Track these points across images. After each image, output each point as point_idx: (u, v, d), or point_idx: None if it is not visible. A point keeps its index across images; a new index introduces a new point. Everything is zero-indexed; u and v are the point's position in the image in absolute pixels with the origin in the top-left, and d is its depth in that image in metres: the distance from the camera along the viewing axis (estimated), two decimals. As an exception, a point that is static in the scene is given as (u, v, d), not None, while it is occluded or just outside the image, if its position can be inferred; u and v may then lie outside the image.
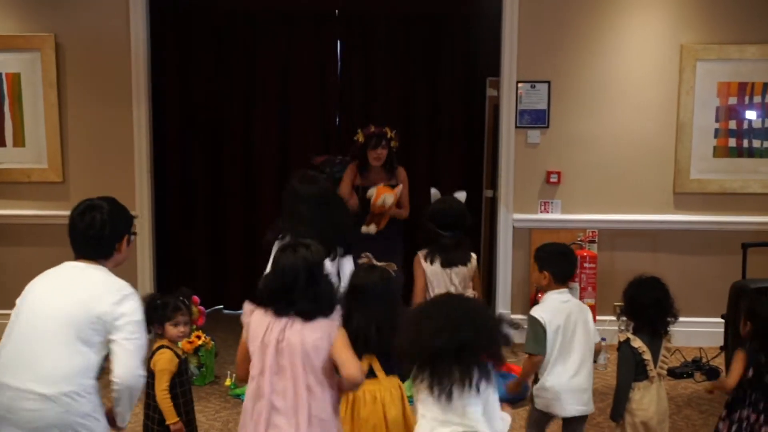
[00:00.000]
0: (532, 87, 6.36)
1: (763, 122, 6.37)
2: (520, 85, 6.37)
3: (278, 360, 2.93)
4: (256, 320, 3.01)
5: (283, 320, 2.95)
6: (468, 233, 7.24)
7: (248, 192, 7.35)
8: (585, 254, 6.28)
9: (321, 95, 7.31)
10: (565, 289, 3.89)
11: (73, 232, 3.03)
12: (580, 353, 3.81)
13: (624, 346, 3.75)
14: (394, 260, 3.72)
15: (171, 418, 3.62)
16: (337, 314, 3.03)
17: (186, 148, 7.28)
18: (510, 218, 6.47)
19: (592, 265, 6.27)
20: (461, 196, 4.41)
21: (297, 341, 2.92)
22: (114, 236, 3.05)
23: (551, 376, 3.78)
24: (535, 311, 3.83)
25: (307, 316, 2.94)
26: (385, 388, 3.32)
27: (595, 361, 5.92)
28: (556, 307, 3.82)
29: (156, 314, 3.72)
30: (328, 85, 7.31)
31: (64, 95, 6.43)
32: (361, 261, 3.63)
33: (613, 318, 6.18)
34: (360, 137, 6.04)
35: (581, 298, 6.24)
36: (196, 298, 5.58)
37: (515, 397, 4.52)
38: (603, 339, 5.99)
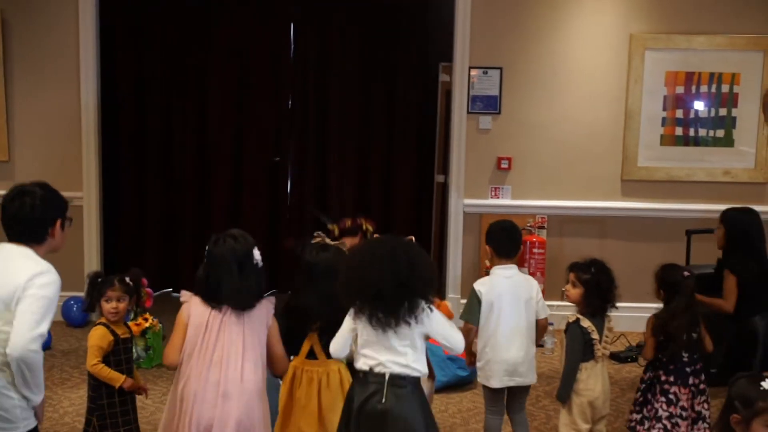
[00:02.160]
0: (484, 73, 6.40)
1: (709, 111, 6.49)
2: (472, 71, 6.40)
3: (218, 346, 3.09)
4: (196, 308, 3.16)
5: (221, 311, 3.12)
6: (419, 215, 7.33)
7: (201, 174, 7.29)
8: (534, 240, 6.35)
9: (275, 78, 7.26)
10: (512, 265, 3.97)
11: (3, 216, 2.98)
12: (517, 326, 3.88)
13: (573, 326, 3.82)
14: None
15: (116, 380, 3.55)
16: (269, 303, 3.20)
17: (138, 129, 7.19)
18: (461, 203, 6.51)
19: (540, 251, 6.34)
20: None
21: (236, 330, 3.10)
22: (45, 221, 3.00)
23: (488, 348, 3.89)
24: (476, 283, 3.96)
25: (242, 307, 3.13)
26: (324, 370, 3.35)
27: (541, 345, 6.06)
28: (497, 282, 3.91)
29: (94, 291, 3.66)
30: (281, 67, 7.27)
31: (10, 72, 6.30)
32: (314, 240, 3.63)
33: (561, 303, 6.32)
34: (335, 230, 5.90)
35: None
36: (144, 280, 5.53)
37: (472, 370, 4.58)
38: (551, 323, 6.09)
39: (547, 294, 6.28)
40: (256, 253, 3.19)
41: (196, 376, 3.09)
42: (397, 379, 2.92)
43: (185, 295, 3.24)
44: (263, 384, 3.17)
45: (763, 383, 2.59)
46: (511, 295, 3.89)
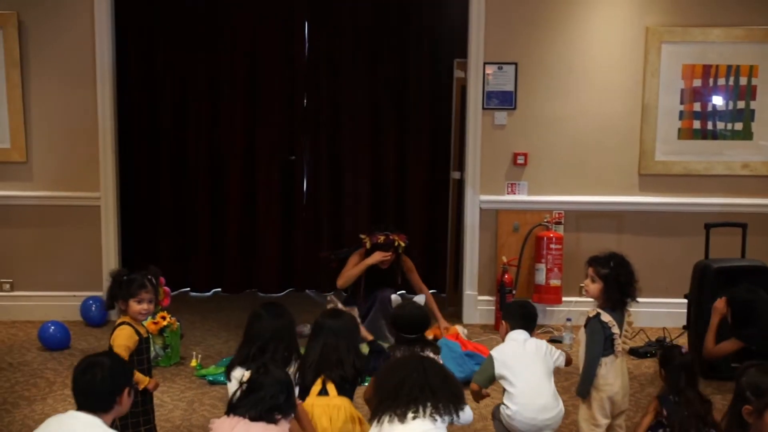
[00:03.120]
0: (500, 69, 6.37)
1: (727, 105, 6.43)
2: (487, 66, 6.38)
3: None
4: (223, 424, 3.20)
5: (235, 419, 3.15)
6: (435, 214, 7.31)
7: (215, 173, 7.31)
8: (551, 235, 6.32)
9: (288, 76, 7.27)
10: (523, 330, 3.94)
11: (75, 388, 3.08)
12: (536, 384, 3.79)
13: (594, 321, 3.79)
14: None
15: (142, 382, 3.62)
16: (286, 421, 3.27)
17: (152, 129, 7.21)
18: (477, 200, 6.49)
19: (558, 247, 6.31)
20: (420, 299, 4.58)
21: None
22: (115, 390, 3.09)
23: (512, 405, 3.78)
24: (493, 350, 3.95)
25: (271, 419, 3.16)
26: (335, 405, 3.58)
27: (559, 340, 6.03)
28: (511, 347, 3.89)
29: (121, 290, 3.70)
30: (295, 65, 7.27)
31: (27, 74, 6.33)
32: (328, 305, 3.87)
33: (579, 299, 6.29)
34: (367, 243, 5.95)
35: (547, 279, 6.31)
36: (162, 278, 5.56)
37: None
38: (569, 319, 6.09)
39: (564, 290, 6.31)
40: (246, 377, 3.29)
41: None
42: None
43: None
44: None
45: None
46: (526, 355, 3.84)
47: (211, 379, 5.17)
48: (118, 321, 3.72)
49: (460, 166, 6.76)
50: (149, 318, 5.28)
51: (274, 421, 3.16)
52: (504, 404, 3.82)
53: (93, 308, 6.27)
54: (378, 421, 3.01)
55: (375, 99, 7.29)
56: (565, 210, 6.48)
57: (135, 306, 3.70)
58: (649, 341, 6.00)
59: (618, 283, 3.80)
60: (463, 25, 6.50)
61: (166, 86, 7.17)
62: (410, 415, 2.94)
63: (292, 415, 3.28)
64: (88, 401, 3.02)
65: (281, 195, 7.38)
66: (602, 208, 6.50)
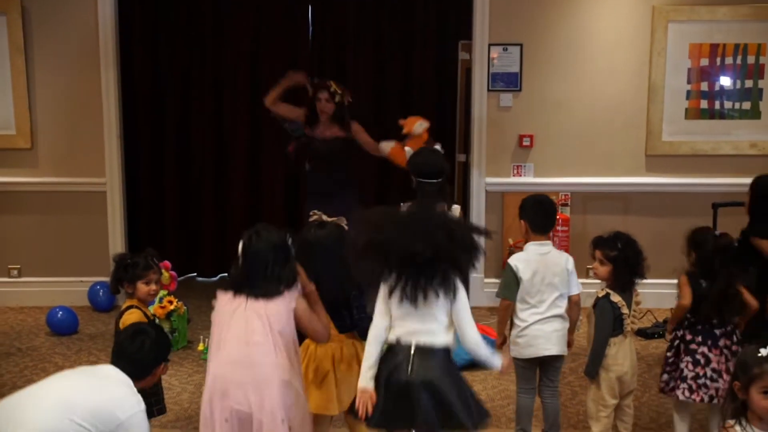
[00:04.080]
0: (504, 50, 6.34)
1: (734, 84, 6.39)
2: (492, 48, 6.34)
3: (240, 321, 3.13)
4: (222, 303, 3.23)
5: (247, 298, 3.16)
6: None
7: (220, 158, 7.30)
8: (558, 217, 6.30)
9: (292, 59, 7.23)
10: (547, 241, 3.94)
11: (119, 352, 3.17)
12: (552, 300, 3.86)
13: (603, 301, 3.78)
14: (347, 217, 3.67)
15: None
16: (295, 289, 3.21)
17: (156, 114, 7.20)
18: (483, 182, 6.47)
19: (564, 228, 6.30)
20: (436, 147, 4.47)
21: (262, 307, 3.13)
22: (156, 362, 3.20)
23: (523, 322, 3.86)
24: (511, 259, 3.94)
25: (273, 295, 3.15)
26: (337, 345, 3.44)
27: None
28: (532, 258, 3.88)
29: (126, 273, 3.72)
30: (299, 50, 7.24)
31: (32, 60, 6.33)
32: (311, 218, 3.63)
33: (586, 280, 6.26)
34: (309, 90, 5.94)
35: (554, 261, 6.28)
36: (167, 263, 5.57)
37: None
38: (576, 300, 6.06)
39: (571, 272, 6.28)
40: (290, 241, 3.24)
41: (215, 362, 3.19)
42: (422, 350, 2.91)
43: (220, 294, 3.30)
44: (285, 368, 3.14)
45: (762, 349, 2.57)
46: (546, 271, 3.86)
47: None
48: (125, 305, 3.73)
49: (466, 149, 6.74)
50: (156, 302, 5.31)
51: (279, 293, 3.14)
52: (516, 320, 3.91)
53: (100, 293, 6.29)
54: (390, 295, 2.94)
55: (380, 82, 7.26)
56: (571, 192, 6.45)
57: (143, 288, 3.72)
58: (657, 322, 5.99)
59: (627, 264, 3.79)
60: (467, 6, 6.46)
61: (170, 71, 7.15)
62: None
63: (298, 286, 3.21)
64: (128, 366, 3.09)
65: (286, 180, 7.37)
66: (609, 189, 6.48)
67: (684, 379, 3.86)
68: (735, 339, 3.87)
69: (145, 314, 3.71)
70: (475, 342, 3.04)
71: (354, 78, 7.23)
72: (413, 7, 7.17)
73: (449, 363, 3.00)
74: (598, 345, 3.79)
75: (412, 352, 2.91)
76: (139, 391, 3.18)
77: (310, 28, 7.28)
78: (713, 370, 3.82)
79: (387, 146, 5.60)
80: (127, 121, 6.69)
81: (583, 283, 6.10)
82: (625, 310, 3.77)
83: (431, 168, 4.25)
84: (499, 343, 4.10)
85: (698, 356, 3.84)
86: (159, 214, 7.31)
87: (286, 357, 3.15)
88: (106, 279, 6.22)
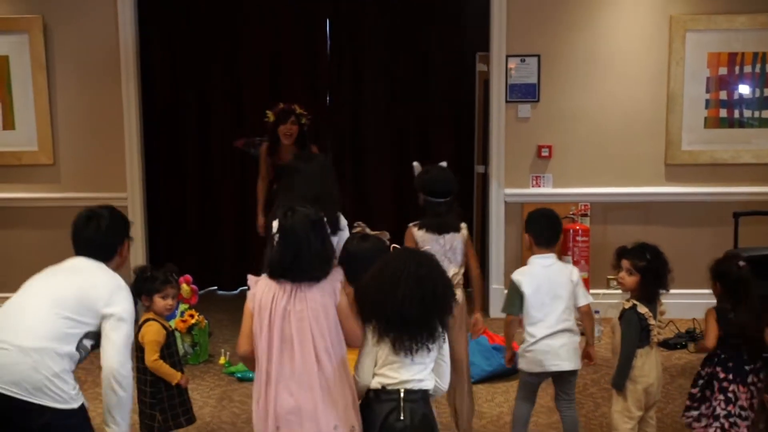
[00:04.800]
0: (522, 61, 6.35)
1: (753, 92, 6.37)
2: (509, 59, 6.35)
3: (285, 329, 2.92)
4: (263, 289, 2.99)
5: (288, 287, 2.94)
6: (460, 205, 7.29)
7: (240, 172, 7.34)
8: (577, 228, 6.29)
9: (311, 74, 7.29)
10: (550, 254, 3.93)
11: (77, 238, 3.25)
12: (560, 313, 3.83)
13: (630, 313, 3.74)
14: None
15: (174, 377, 3.68)
16: (338, 273, 3.05)
17: (177, 129, 7.26)
18: (501, 193, 6.47)
19: (584, 239, 6.28)
20: (443, 165, 4.46)
21: (305, 307, 2.93)
22: (117, 241, 3.28)
23: (532, 336, 3.84)
24: (515, 274, 3.93)
25: (317, 277, 2.97)
26: (350, 357, 3.34)
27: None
28: (536, 271, 3.87)
29: (145, 286, 3.76)
30: (318, 63, 7.28)
31: (53, 77, 6.40)
32: (354, 230, 3.63)
33: (607, 291, 6.25)
34: (270, 116, 5.97)
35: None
36: (188, 277, 5.61)
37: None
38: (596, 312, 6.04)
39: (592, 282, 6.26)
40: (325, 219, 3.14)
41: (266, 365, 2.95)
42: (410, 394, 2.89)
43: (252, 279, 3.09)
44: (338, 367, 2.98)
45: None
46: (550, 284, 3.84)
47: (239, 375, 5.20)
48: (143, 318, 3.76)
49: (484, 160, 6.74)
50: (177, 316, 5.34)
51: (324, 274, 2.98)
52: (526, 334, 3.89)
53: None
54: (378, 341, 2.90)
55: (397, 94, 7.28)
56: (591, 202, 6.44)
57: (160, 302, 3.77)
58: (679, 332, 5.95)
59: (656, 275, 3.77)
60: (484, 18, 6.47)
61: (190, 86, 7.21)
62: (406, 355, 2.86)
63: (340, 270, 3.06)
64: (92, 251, 3.18)
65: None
66: (629, 199, 6.46)
67: (717, 418, 3.79)
68: (762, 376, 3.80)
69: (164, 326, 3.74)
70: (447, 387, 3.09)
71: (371, 91, 7.26)
72: (430, 19, 7.19)
73: (429, 404, 2.99)
74: (625, 357, 3.74)
75: (402, 397, 2.88)
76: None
77: (329, 42, 7.32)
78: (741, 407, 3.75)
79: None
80: (148, 136, 6.75)
81: (603, 294, 6.16)
82: (651, 321, 3.75)
83: (441, 186, 4.23)
84: (507, 358, 4.10)
85: (729, 394, 3.77)
86: (180, 227, 7.36)
87: (337, 357, 2.98)
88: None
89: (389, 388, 2.90)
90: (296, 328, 2.91)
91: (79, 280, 3.14)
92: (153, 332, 3.67)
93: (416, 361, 2.90)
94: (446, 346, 2.99)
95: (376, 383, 2.92)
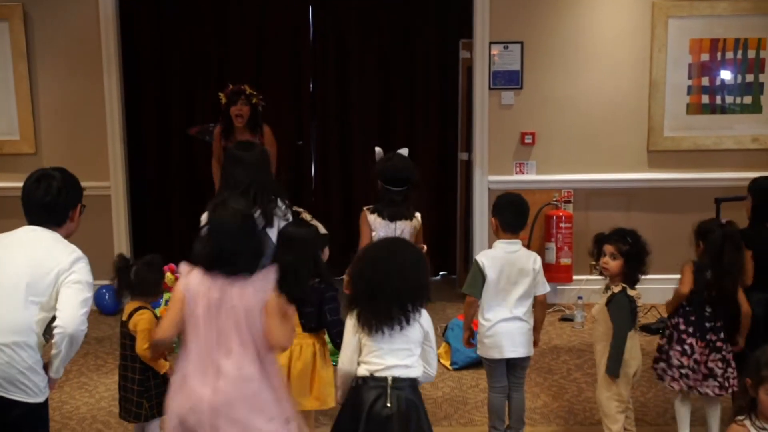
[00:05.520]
0: (505, 48, 6.35)
1: (735, 78, 6.40)
2: (492, 46, 6.36)
3: (217, 323, 2.91)
4: (196, 280, 2.97)
5: (221, 281, 2.93)
6: (445, 196, 7.29)
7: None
8: (561, 214, 6.32)
9: (295, 62, 7.27)
10: (516, 240, 3.93)
11: (28, 200, 3.14)
12: (516, 299, 3.84)
13: (621, 296, 3.76)
14: None
15: (162, 367, 3.66)
16: (272, 272, 3.03)
17: (160, 117, 7.23)
18: (485, 180, 6.49)
19: (567, 225, 6.31)
20: (404, 152, 4.48)
21: (238, 302, 2.91)
22: (68, 204, 3.17)
23: (488, 321, 3.86)
24: (479, 255, 3.95)
25: (244, 271, 2.95)
26: (297, 342, 3.43)
27: (570, 318, 6.04)
28: (499, 255, 3.88)
29: (125, 277, 3.74)
30: (301, 51, 7.27)
31: (34, 66, 6.36)
32: (299, 216, 3.75)
33: (591, 277, 6.29)
34: (222, 98, 5.97)
35: (557, 258, 6.30)
36: (173, 266, 5.58)
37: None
38: (580, 297, 6.09)
39: (575, 268, 6.30)
40: (257, 216, 3.13)
41: (193, 359, 2.93)
42: (397, 382, 2.89)
43: (184, 268, 3.06)
44: (269, 362, 2.99)
45: None
46: (511, 269, 3.85)
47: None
48: (134, 306, 3.72)
49: (468, 147, 6.75)
50: (162, 304, 5.33)
51: (247, 273, 2.94)
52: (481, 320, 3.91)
53: (106, 297, 6.31)
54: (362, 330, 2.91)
55: (382, 82, 7.28)
56: (574, 188, 6.47)
57: None
58: (661, 317, 5.99)
59: (639, 258, 3.80)
60: (468, 5, 6.47)
61: (173, 74, 7.18)
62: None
63: (275, 268, 3.04)
64: (41, 214, 3.07)
65: (291, 181, 7.38)
66: (611, 185, 6.49)
67: (671, 367, 3.89)
68: (721, 335, 3.87)
69: (155, 315, 3.73)
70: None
71: (355, 78, 7.25)
72: (413, 6, 7.18)
73: (418, 393, 2.99)
74: (619, 341, 3.74)
75: (389, 384, 2.88)
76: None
77: (311, 29, 7.30)
78: (695, 361, 3.84)
79: None
80: (132, 124, 6.72)
81: (587, 280, 6.20)
82: (640, 304, 3.79)
83: (398, 175, 4.27)
84: (465, 338, 4.09)
85: (686, 346, 3.86)
86: (165, 216, 7.34)
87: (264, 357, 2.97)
88: (112, 282, 6.30)
89: (377, 374, 2.90)
90: (228, 322, 2.90)
91: (37, 257, 3.01)
92: (146, 321, 3.65)
93: (398, 346, 2.90)
94: (431, 332, 3.00)
95: (364, 371, 2.93)
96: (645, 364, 4.07)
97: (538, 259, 3.94)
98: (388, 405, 2.86)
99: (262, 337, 2.93)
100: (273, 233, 3.91)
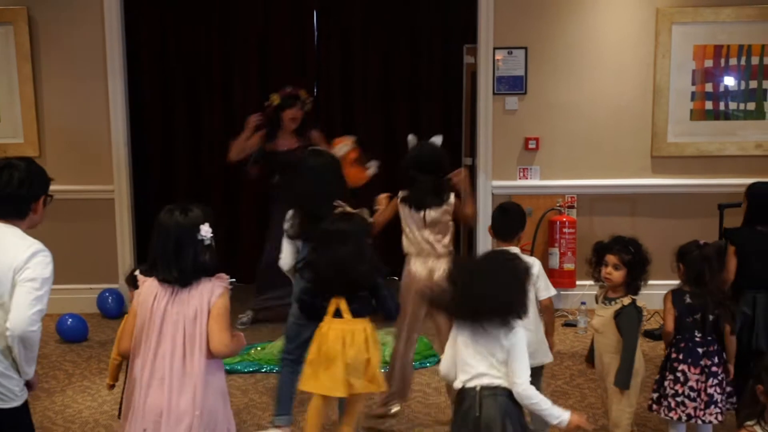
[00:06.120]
0: (509, 53, 6.36)
1: (739, 85, 6.40)
2: (497, 51, 6.36)
3: (162, 330, 2.93)
4: (146, 289, 3.00)
5: (170, 288, 2.95)
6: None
7: (229, 164, 7.31)
8: (564, 219, 6.32)
9: (299, 65, 7.27)
10: (512, 248, 3.90)
11: None
12: None
13: (631, 308, 3.73)
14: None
15: (108, 379, 3.77)
16: (220, 281, 3.02)
17: (165, 120, 7.24)
18: (489, 185, 6.49)
19: (571, 231, 6.31)
20: (437, 140, 4.49)
21: (181, 310, 2.92)
22: (30, 196, 3.03)
23: None
24: None
25: (186, 280, 2.95)
26: (349, 329, 3.49)
27: (574, 324, 6.02)
28: None
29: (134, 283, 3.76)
30: (305, 55, 7.27)
31: (39, 69, 6.36)
32: (336, 211, 3.74)
33: (593, 283, 6.27)
34: (275, 99, 5.97)
35: (561, 264, 6.30)
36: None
37: None
38: (583, 303, 6.08)
39: (578, 274, 6.29)
40: (204, 229, 3.03)
41: (141, 364, 2.95)
42: (487, 390, 2.96)
43: (140, 278, 3.09)
44: (213, 372, 3.00)
45: None
46: None
47: (228, 368, 5.18)
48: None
49: (472, 152, 6.77)
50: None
51: (188, 283, 2.94)
52: None
53: (109, 300, 6.31)
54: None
55: (385, 86, 7.29)
56: (577, 194, 6.47)
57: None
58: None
59: (642, 267, 3.78)
60: (472, 10, 6.48)
61: (178, 77, 7.19)
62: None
63: (224, 277, 3.03)
64: (2, 206, 2.96)
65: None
66: (615, 191, 6.49)
67: (665, 396, 3.83)
68: (717, 360, 3.80)
69: None
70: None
71: (359, 82, 7.26)
72: (418, 11, 7.19)
73: (513, 403, 3.00)
74: (630, 353, 3.71)
75: (477, 393, 2.96)
76: None
77: (316, 33, 7.30)
78: (690, 388, 3.76)
79: None
80: (136, 128, 6.72)
81: (590, 286, 6.18)
82: (644, 313, 3.78)
83: (424, 160, 4.27)
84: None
85: (678, 374, 3.79)
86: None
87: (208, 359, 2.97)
88: (116, 286, 6.34)
89: (468, 386, 3.00)
90: (172, 330, 2.92)
91: (2, 260, 2.87)
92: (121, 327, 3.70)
93: (490, 354, 2.96)
94: (522, 337, 3.02)
95: (458, 383, 3.03)
96: (648, 370, 4.06)
97: (536, 263, 3.90)
98: (478, 413, 2.94)
99: (205, 343, 2.93)
100: None
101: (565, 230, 6.29)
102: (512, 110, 6.43)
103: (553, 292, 3.97)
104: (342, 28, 7.26)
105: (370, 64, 7.24)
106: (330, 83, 7.32)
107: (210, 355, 2.93)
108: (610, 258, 3.78)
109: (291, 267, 4.06)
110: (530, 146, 6.42)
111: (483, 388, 2.95)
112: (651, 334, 5.76)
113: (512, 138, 6.45)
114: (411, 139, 4.51)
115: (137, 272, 3.18)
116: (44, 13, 6.30)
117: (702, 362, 3.79)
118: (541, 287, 3.89)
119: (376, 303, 3.58)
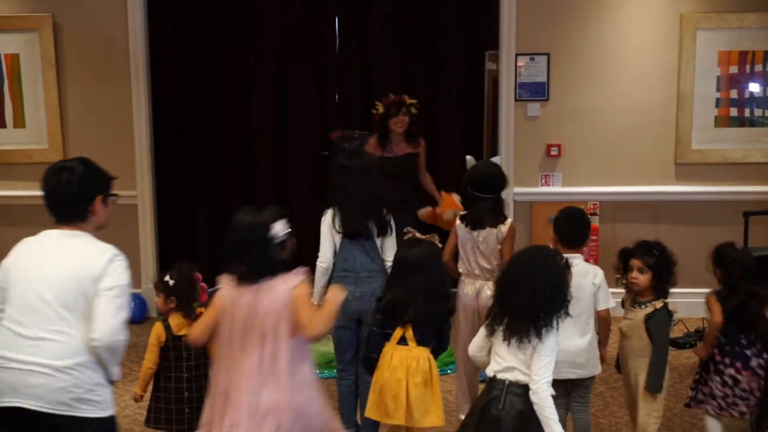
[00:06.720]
0: (531, 60, 6.34)
1: (764, 91, 6.35)
2: (519, 57, 6.34)
3: (245, 327, 3.01)
4: (226, 290, 3.11)
5: (247, 289, 3.04)
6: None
7: (248, 170, 7.34)
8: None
9: (320, 72, 7.28)
10: (576, 255, 3.86)
11: (44, 194, 2.97)
12: (577, 316, 3.73)
13: (663, 313, 3.73)
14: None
15: (138, 388, 3.80)
16: (294, 276, 3.07)
17: (186, 126, 7.25)
18: (511, 192, 6.45)
19: (593, 238, 6.27)
20: (497, 159, 4.51)
21: (262, 306, 3.01)
22: (83, 197, 2.96)
23: None
24: None
25: (260, 277, 3.03)
26: (413, 356, 3.46)
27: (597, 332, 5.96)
28: None
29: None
30: (327, 61, 7.28)
31: (63, 75, 6.43)
32: (406, 236, 3.71)
33: (616, 290, 6.23)
34: (380, 108, 6.00)
35: (583, 271, 6.25)
36: (198, 275, 5.59)
37: None
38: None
39: (601, 281, 6.23)
40: (277, 226, 3.10)
41: (227, 369, 3.03)
42: (515, 387, 2.99)
43: (223, 278, 3.19)
44: (299, 366, 3.05)
45: None
46: (575, 285, 3.80)
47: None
48: (178, 319, 3.83)
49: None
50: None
51: (266, 277, 3.01)
52: None
53: (132, 305, 6.33)
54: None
55: (406, 93, 7.23)
56: (600, 201, 6.43)
57: (158, 301, 3.89)
58: (688, 332, 5.94)
59: (668, 270, 3.76)
60: (494, 16, 6.47)
61: (199, 83, 7.21)
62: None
63: (302, 270, 3.09)
64: (60, 208, 2.94)
65: (314, 191, 7.39)
66: (638, 198, 6.45)
67: (714, 398, 3.84)
68: (765, 357, 3.80)
69: (167, 326, 3.76)
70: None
71: (380, 90, 7.24)
72: (439, 18, 7.17)
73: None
74: (663, 357, 3.70)
75: (505, 387, 3.02)
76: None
77: (337, 40, 7.32)
78: (743, 390, 3.77)
79: (423, 212, 5.85)
80: (158, 133, 6.76)
81: (612, 293, 6.13)
82: (676, 317, 3.77)
83: (481, 180, 4.28)
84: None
85: (726, 377, 3.79)
86: (191, 225, 7.35)
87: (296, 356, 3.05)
88: (139, 291, 6.36)
89: (498, 377, 3.06)
90: (255, 326, 2.99)
91: (71, 267, 2.86)
92: (152, 334, 3.79)
93: (522, 350, 3.02)
94: (544, 346, 3.03)
95: (490, 370, 3.12)
96: (671, 379, 4.04)
97: (599, 273, 3.88)
98: (500, 408, 3.01)
99: (294, 334, 2.99)
100: (388, 243, 4.02)
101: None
102: (534, 116, 6.40)
103: (612, 304, 3.92)
104: (362, 34, 7.25)
105: (390, 70, 7.22)
106: (350, 89, 7.32)
107: (300, 343, 3.02)
108: (635, 262, 3.79)
109: (331, 264, 4.06)
110: (552, 153, 6.39)
111: (511, 383, 3.01)
112: (675, 343, 5.71)
113: (534, 144, 6.42)
114: (469, 159, 4.55)
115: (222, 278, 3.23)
116: (69, 20, 6.37)
117: (753, 363, 3.80)
118: (601, 297, 3.86)
119: (437, 334, 3.55)
